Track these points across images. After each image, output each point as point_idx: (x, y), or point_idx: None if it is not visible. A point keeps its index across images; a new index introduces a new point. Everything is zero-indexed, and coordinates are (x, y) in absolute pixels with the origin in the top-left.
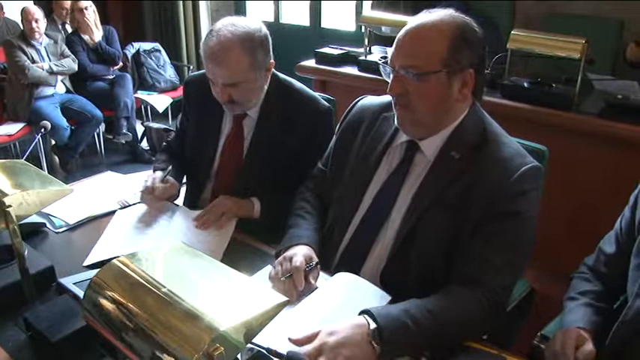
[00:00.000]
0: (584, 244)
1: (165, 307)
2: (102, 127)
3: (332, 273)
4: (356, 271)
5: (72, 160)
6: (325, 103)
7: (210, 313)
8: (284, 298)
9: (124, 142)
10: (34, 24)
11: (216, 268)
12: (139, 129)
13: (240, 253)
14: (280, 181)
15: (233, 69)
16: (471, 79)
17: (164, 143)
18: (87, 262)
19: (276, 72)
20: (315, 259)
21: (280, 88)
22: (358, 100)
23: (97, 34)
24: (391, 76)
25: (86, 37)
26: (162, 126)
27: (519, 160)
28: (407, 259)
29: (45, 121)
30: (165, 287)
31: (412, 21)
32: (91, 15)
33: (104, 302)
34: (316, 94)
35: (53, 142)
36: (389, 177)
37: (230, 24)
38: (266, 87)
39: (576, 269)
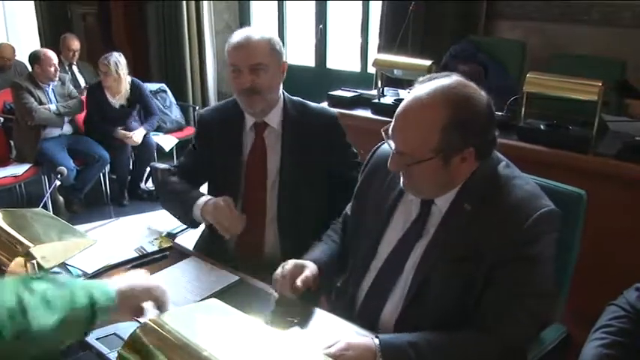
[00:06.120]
0: (617, 289)
1: None
2: (107, 168)
3: (354, 321)
4: (374, 320)
5: (77, 201)
6: (331, 109)
7: None
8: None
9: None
10: (52, 68)
11: (254, 327)
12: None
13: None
14: (315, 190)
15: (256, 49)
16: (470, 156)
17: (172, 168)
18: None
19: (286, 93)
20: (309, 269)
21: (294, 102)
22: (376, 149)
23: (123, 91)
24: (391, 152)
25: (109, 96)
26: (168, 166)
27: (533, 205)
28: (421, 310)
29: (62, 167)
30: (205, 350)
31: (407, 98)
32: (114, 74)
33: None
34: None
35: (59, 182)
36: (407, 230)
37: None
38: (281, 99)
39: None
